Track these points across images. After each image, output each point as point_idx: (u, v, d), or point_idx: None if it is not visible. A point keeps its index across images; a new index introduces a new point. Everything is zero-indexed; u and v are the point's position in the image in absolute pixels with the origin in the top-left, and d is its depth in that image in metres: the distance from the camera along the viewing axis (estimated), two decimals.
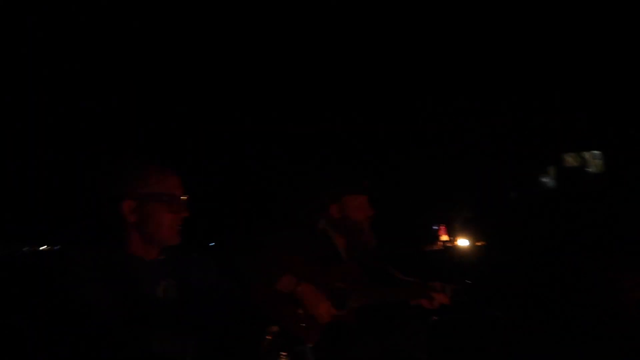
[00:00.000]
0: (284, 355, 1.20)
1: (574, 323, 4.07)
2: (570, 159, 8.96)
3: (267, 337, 1.21)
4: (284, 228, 2.34)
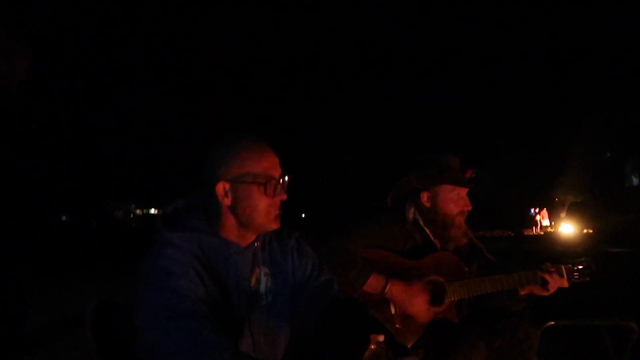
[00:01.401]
0: None
1: None
2: None
3: (371, 346, 1.04)
4: (371, 218, 2.06)
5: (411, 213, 2.08)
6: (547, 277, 1.94)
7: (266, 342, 1.33)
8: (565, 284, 1.97)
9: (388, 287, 1.87)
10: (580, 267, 2.00)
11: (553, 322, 2.11)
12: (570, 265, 1.99)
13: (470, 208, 2.06)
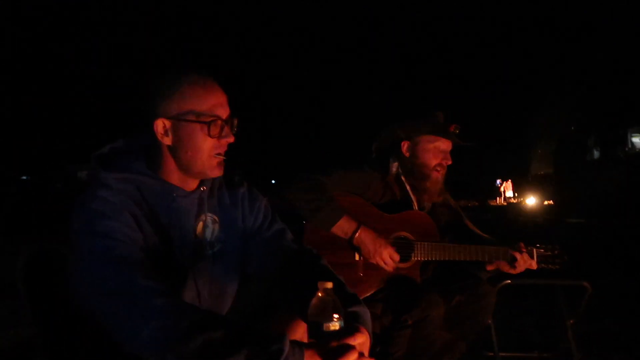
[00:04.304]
0: (336, 317, 0.97)
1: None
2: None
3: (318, 294, 0.99)
4: (353, 167, 2.01)
5: (394, 167, 2.05)
6: (518, 255, 1.93)
7: (212, 292, 1.26)
8: (534, 266, 1.98)
9: (359, 232, 1.83)
10: (551, 253, 2.00)
11: (509, 281, 2.12)
12: (543, 250, 1.99)
13: (450, 162, 2.02)
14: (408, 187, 2.03)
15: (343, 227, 1.83)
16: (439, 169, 2.01)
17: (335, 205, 1.83)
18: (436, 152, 2.01)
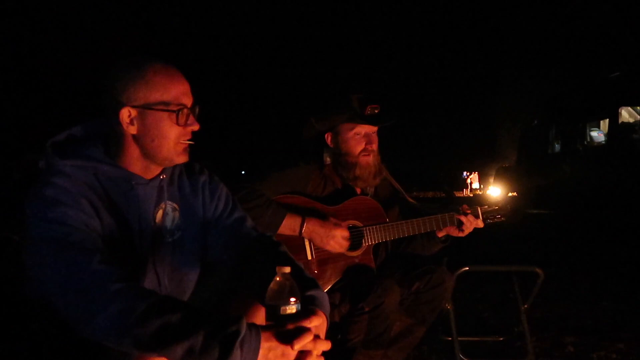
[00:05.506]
0: (293, 301, 1.00)
1: (619, 285, 3.87)
2: (626, 114, 8.24)
3: (277, 278, 1.01)
4: (287, 162, 1.98)
5: (327, 158, 2.02)
6: (463, 218, 1.99)
7: (172, 280, 1.26)
8: (481, 224, 2.04)
9: (305, 224, 1.82)
10: (495, 207, 2.07)
11: (467, 268, 2.20)
12: (487, 207, 2.06)
13: (375, 144, 1.97)
14: (343, 175, 2.00)
15: (289, 225, 1.81)
16: (365, 154, 1.96)
17: (275, 207, 1.81)
18: (358, 138, 1.96)
